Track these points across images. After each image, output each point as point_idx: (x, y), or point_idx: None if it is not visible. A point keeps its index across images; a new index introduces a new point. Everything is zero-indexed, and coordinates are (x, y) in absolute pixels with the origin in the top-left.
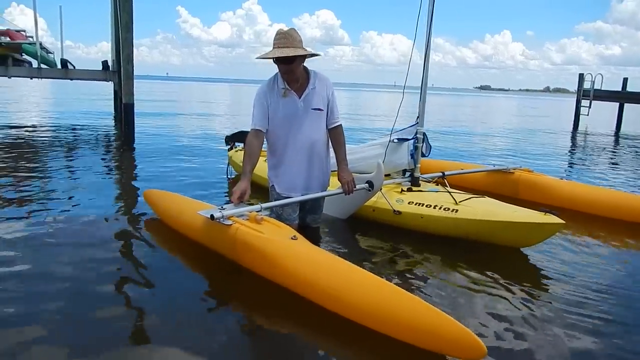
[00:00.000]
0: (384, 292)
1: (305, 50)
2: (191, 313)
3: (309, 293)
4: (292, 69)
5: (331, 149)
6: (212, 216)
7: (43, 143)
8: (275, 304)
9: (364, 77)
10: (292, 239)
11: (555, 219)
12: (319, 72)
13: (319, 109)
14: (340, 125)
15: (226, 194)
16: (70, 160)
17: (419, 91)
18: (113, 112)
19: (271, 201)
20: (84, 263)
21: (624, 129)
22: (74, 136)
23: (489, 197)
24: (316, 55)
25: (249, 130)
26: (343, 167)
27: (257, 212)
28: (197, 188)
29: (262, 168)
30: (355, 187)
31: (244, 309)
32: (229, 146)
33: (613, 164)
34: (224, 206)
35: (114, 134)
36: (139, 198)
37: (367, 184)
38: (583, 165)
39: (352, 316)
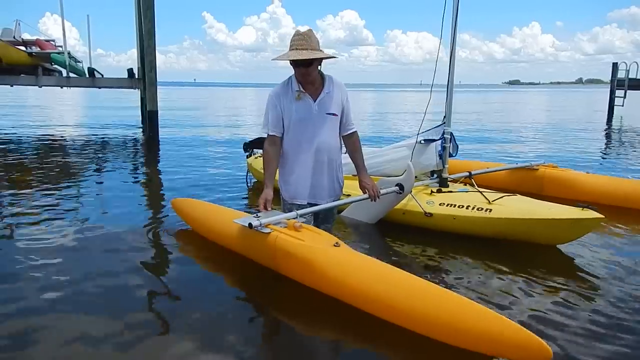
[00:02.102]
0: (440, 298)
1: (323, 52)
2: (231, 321)
3: (356, 301)
4: (309, 72)
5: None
6: (250, 225)
7: (73, 149)
8: (318, 312)
9: (389, 77)
10: (334, 245)
11: (594, 214)
12: (334, 77)
13: (334, 114)
14: (356, 131)
15: (246, 201)
16: (99, 166)
17: (445, 90)
18: (140, 119)
19: (283, 208)
20: (116, 273)
21: None
22: (103, 142)
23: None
24: (333, 57)
25: (265, 136)
26: (364, 174)
27: (294, 219)
28: (219, 194)
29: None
30: (379, 191)
31: (285, 316)
32: (248, 153)
33: None
34: (259, 214)
35: (140, 140)
36: (165, 205)
37: (397, 187)
38: (618, 159)
39: (404, 323)
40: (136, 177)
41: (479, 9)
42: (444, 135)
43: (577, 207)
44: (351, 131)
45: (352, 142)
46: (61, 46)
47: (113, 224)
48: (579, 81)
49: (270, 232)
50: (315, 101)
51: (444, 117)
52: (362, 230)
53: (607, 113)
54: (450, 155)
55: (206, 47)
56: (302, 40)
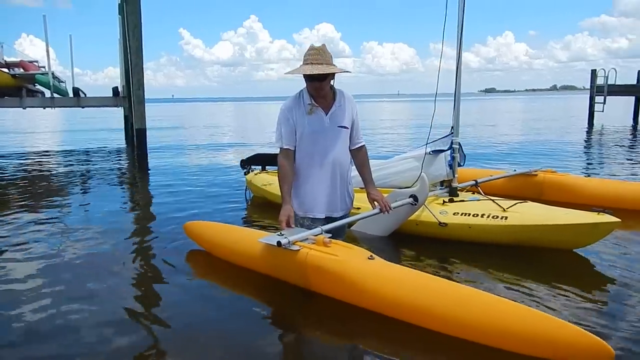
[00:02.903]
0: (491, 304)
1: (337, 67)
2: (263, 344)
3: (398, 312)
4: (323, 86)
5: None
6: (278, 243)
7: (56, 175)
8: (356, 326)
9: (366, 87)
10: (369, 259)
11: (611, 218)
12: (345, 91)
13: (345, 127)
14: (364, 145)
15: (247, 218)
16: (87, 189)
17: (456, 99)
18: (124, 138)
19: (295, 222)
20: (132, 304)
21: None
22: (87, 165)
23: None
24: (347, 72)
25: (278, 150)
26: (372, 187)
27: (320, 234)
28: (218, 212)
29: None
30: (389, 203)
31: (321, 333)
32: (245, 170)
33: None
34: (282, 232)
35: (126, 160)
36: (168, 228)
37: (411, 199)
38: (605, 163)
39: (455, 332)
40: (130, 200)
41: (451, 20)
42: (453, 146)
43: (592, 211)
44: (360, 145)
45: (360, 156)
46: (44, 67)
47: (116, 252)
48: (554, 88)
49: (299, 249)
50: (327, 114)
51: (452, 127)
52: (374, 243)
53: (587, 119)
54: (459, 165)
55: (183, 63)
56: (317, 54)
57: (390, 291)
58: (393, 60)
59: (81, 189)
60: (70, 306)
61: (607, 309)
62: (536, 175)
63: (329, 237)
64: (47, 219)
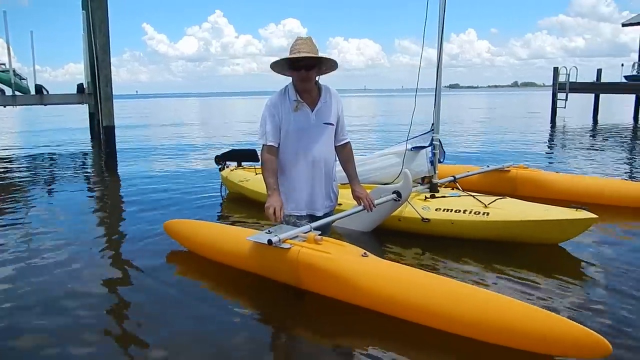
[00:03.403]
0: (489, 301)
1: (325, 55)
2: (259, 340)
3: (393, 309)
4: (309, 76)
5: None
6: (269, 241)
7: (20, 176)
8: (351, 324)
9: (333, 83)
10: (362, 256)
11: (589, 214)
12: (330, 87)
13: (331, 124)
14: (349, 142)
15: (223, 214)
16: (55, 195)
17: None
18: (89, 135)
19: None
20: (118, 308)
21: (600, 118)
22: (53, 165)
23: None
24: (335, 61)
25: (261, 146)
26: (356, 184)
27: (309, 232)
28: (194, 209)
29: (259, 184)
30: (373, 200)
31: (315, 333)
32: (220, 166)
33: (601, 152)
34: (270, 230)
35: (94, 159)
36: (149, 230)
37: (394, 195)
38: (571, 158)
39: (451, 328)
40: (102, 202)
41: (417, 16)
42: (434, 142)
43: (570, 207)
44: (345, 141)
45: (345, 153)
46: (5, 64)
47: (91, 257)
48: (515, 84)
49: (290, 248)
50: (312, 111)
51: (432, 124)
52: (357, 239)
53: (550, 115)
54: (439, 161)
55: (147, 59)
56: (305, 44)
57: (386, 288)
58: (359, 56)
59: (48, 192)
60: (42, 315)
61: (592, 302)
62: (509, 171)
63: (319, 235)
64: (9, 221)
